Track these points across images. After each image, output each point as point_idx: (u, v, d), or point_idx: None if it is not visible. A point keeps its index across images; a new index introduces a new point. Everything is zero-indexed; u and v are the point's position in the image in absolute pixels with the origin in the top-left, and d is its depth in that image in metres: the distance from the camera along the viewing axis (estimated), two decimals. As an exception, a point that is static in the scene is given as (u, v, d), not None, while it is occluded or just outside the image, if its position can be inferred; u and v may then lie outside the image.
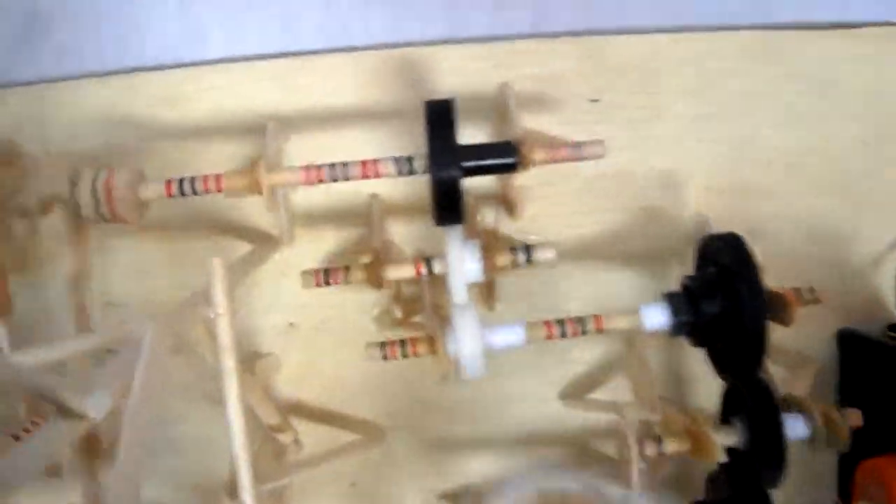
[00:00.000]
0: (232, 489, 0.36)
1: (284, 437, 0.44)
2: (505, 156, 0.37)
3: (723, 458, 0.38)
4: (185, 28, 0.45)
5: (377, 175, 0.37)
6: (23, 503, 0.25)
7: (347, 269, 0.41)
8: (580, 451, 0.47)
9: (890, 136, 0.46)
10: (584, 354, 0.47)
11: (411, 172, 0.37)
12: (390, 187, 0.45)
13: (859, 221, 0.47)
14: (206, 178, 0.37)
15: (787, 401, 0.39)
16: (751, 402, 0.38)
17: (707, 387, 0.45)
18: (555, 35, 0.45)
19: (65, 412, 0.27)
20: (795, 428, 0.38)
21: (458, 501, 0.47)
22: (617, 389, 0.46)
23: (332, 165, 0.37)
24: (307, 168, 0.37)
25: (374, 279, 0.40)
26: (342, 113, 0.45)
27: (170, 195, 0.37)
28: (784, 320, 0.38)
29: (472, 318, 0.37)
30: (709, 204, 0.46)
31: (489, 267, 0.39)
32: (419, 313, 0.45)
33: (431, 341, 0.38)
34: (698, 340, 0.40)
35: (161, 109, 0.45)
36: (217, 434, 0.35)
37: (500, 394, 0.47)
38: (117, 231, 0.44)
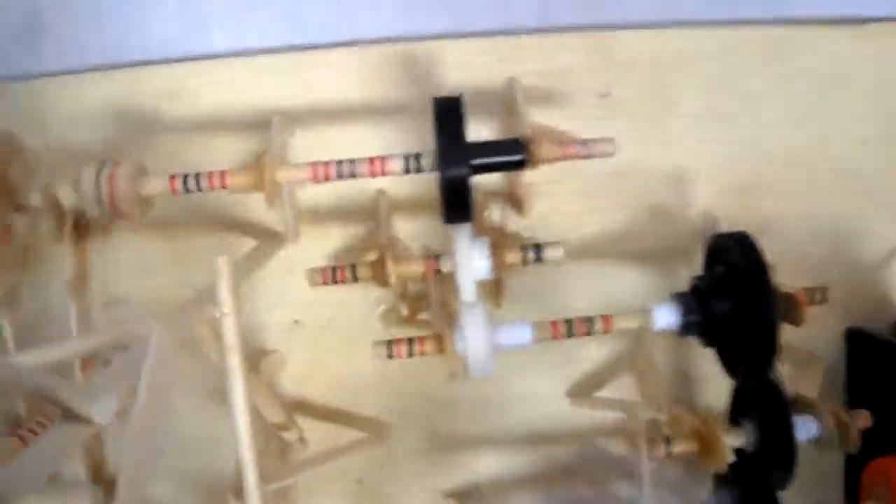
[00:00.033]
0: (238, 489, 0.35)
1: (289, 435, 0.44)
2: (514, 153, 0.36)
3: (731, 458, 0.38)
4: (189, 21, 0.44)
5: (385, 173, 0.37)
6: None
7: (354, 266, 0.40)
8: (587, 448, 0.47)
9: (899, 133, 0.46)
10: (591, 352, 0.47)
11: (419, 170, 0.37)
12: (396, 182, 0.44)
13: (868, 220, 0.46)
14: (210, 175, 0.37)
15: (797, 402, 0.39)
16: (761, 403, 0.37)
17: (714, 385, 0.45)
18: (562, 29, 0.45)
19: (70, 416, 0.27)
20: (806, 429, 0.38)
21: (465, 500, 0.47)
22: (623, 387, 0.46)
23: (340, 163, 0.37)
24: (314, 165, 0.37)
25: (382, 277, 0.40)
26: (347, 107, 0.44)
27: (174, 191, 0.37)
28: (795, 320, 0.38)
29: (481, 316, 0.36)
30: (717, 201, 0.45)
31: (498, 265, 0.39)
32: (425, 310, 0.44)
33: (439, 340, 0.38)
34: (708, 340, 0.40)
35: (164, 104, 0.44)
36: (221, 432, 0.35)
37: (507, 392, 0.47)
38: (120, 227, 0.43)
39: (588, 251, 0.46)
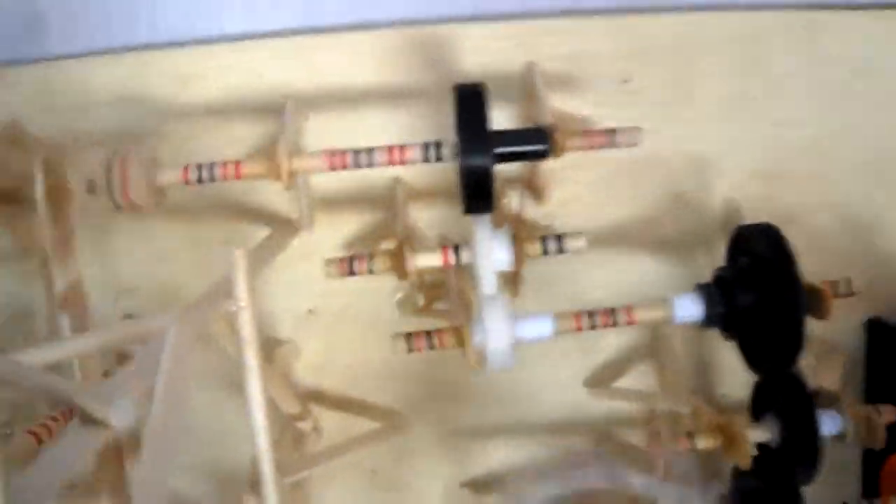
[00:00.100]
0: (253, 482, 0.35)
1: (304, 425, 0.44)
2: (537, 143, 0.35)
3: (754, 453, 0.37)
4: (199, 2, 0.43)
5: (403, 162, 0.36)
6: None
7: (372, 257, 0.39)
8: (604, 439, 0.46)
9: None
10: (609, 341, 0.46)
11: (439, 159, 0.36)
12: (412, 169, 0.43)
13: (891, 209, 0.45)
14: (224, 165, 0.36)
15: (820, 396, 0.38)
16: (786, 398, 0.37)
17: (733, 376, 0.45)
18: (583, 13, 0.43)
19: (86, 419, 0.26)
20: (830, 425, 0.37)
21: (481, 490, 0.46)
22: (641, 377, 0.45)
23: (357, 152, 0.36)
24: (331, 154, 0.36)
25: (400, 268, 0.39)
26: (361, 92, 0.43)
27: (187, 182, 0.36)
28: (820, 314, 0.37)
29: (502, 309, 0.36)
30: (739, 190, 0.45)
31: (518, 256, 0.38)
32: (442, 299, 0.43)
33: (459, 333, 0.37)
34: (731, 333, 0.39)
35: (173, 88, 0.43)
36: (235, 424, 0.34)
37: (523, 381, 0.46)
38: (132, 215, 0.42)
39: (607, 239, 0.45)
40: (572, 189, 0.44)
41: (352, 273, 0.39)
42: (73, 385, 0.27)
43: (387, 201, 0.43)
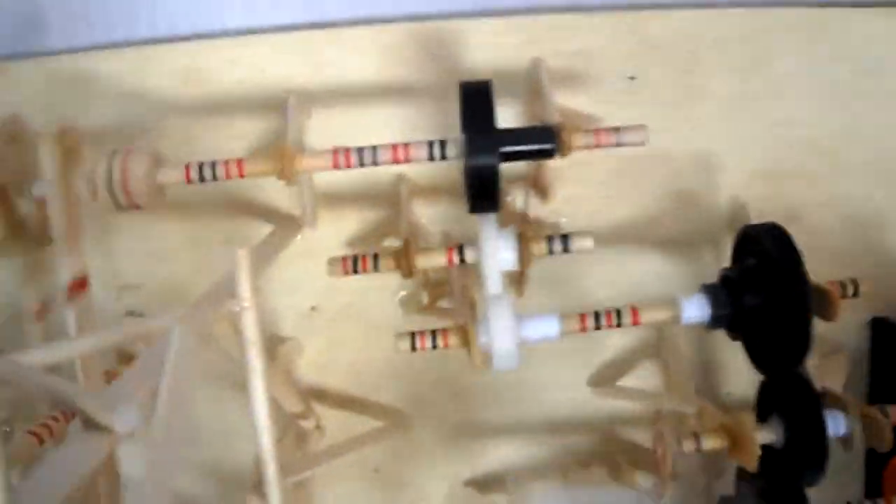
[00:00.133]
0: (256, 482, 0.35)
1: (307, 423, 0.43)
2: (545, 142, 0.35)
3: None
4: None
5: (408, 160, 0.35)
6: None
7: (376, 256, 0.39)
8: (607, 438, 0.46)
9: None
10: (613, 340, 0.46)
11: (444, 157, 0.35)
12: (415, 165, 0.42)
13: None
14: (227, 164, 0.35)
15: (825, 396, 0.38)
16: (792, 400, 0.37)
17: (739, 376, 0.45)
18: (589, 9, 0.43)
19: (89, 424, 0.26)
20: (836, 426, 0.37)
21: (484, 488, 0.46)
22: (646, 376, 0.45)
23: (361, 150, 0.35)
24: (335, 153, 0.35)
25: (405, 267, 0.38)
26: (366, 88, 0.43)
27: (189, 181, 0.35)
28: (827, 316, 0.37)
29: (507, 309, 0.35)
30: (745, 187, 0.44)
31: (524, 256, 0.37)
32: (445, 297, 0.43)
33: (463, 332, 0.37)
34: (737, 334, 0.39)
35: (174, 82, 0.42)
36: (238, 424, 0.34)
37: (527, 380, 0.46)
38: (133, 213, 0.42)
39: (612, 237, 0.45)
40: (577, 187, 0.44)
41: (354, 272, 0.39)
42: (76, 388, 0.26)
43: (390, 198, 0.43)
